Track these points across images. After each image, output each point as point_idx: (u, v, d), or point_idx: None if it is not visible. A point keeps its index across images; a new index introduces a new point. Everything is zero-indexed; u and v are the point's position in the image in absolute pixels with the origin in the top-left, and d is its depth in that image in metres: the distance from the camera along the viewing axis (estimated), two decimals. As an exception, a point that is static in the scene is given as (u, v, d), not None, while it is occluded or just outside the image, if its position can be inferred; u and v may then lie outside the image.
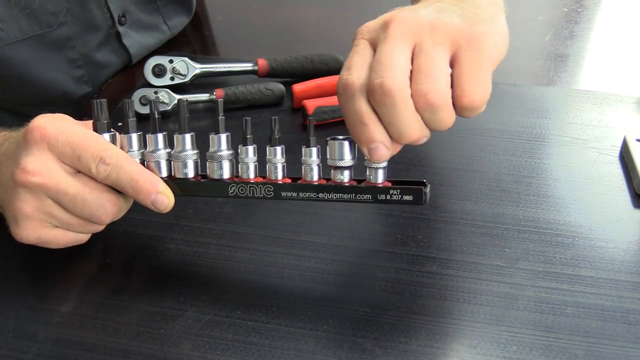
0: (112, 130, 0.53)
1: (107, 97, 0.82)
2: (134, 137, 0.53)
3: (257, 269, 0.56)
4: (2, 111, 0.79)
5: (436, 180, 0.66)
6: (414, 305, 0.52)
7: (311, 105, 0.74)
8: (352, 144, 0.50)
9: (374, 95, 0.46)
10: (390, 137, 0.47)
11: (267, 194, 0.52)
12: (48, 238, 0.52)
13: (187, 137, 0.52)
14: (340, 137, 0.50)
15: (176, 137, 0.52)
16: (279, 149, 0.52)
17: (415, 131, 0.47)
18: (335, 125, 0.74)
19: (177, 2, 0.93)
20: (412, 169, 0.67)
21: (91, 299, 0.54)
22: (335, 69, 0.82)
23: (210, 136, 0.52)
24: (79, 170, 0.51)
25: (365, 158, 0.49)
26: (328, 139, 0.50)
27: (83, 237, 0.54)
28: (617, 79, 0.86)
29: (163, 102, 0.76)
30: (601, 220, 0.61)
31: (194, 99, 0.78)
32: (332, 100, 0.74)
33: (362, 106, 0.47)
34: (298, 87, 0.77)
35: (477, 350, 0.49)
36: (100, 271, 0.57)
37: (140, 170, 0.51)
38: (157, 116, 0.52)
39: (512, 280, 0.54)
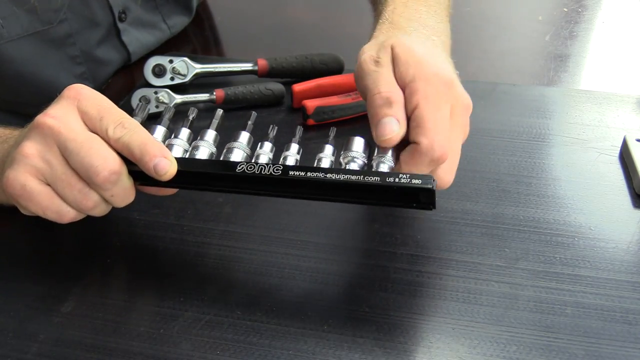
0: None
1: (108, 96, 0.82)
2: (160, 127, 0.55)
3: (257, 269, 0.56)
4: (3, 112, 0.79)
5: (436, 180, 0.66)
6: (414, 305, 0.52)
7: (311, 105, 0.74)
8: (366, 141, 0.52)
9: (426, 157, 0.50)
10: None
11: (274, 172, 0.50)
12: (32, 191, 0.50)
13: (212, 132, 0.55)
14: None
15: (202, 131, 0.54)
16: (296, 145, 0.54)
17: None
18: (335, 125, 0.74)
19: (176, 1, 0.93)
20: (412, 169, 0.67)
21: (91, 299, 0.54)
22: (335, 69, 0.82)
23: (235, 132, 0.54)
24: (96, 132, 0.51)
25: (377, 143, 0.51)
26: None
27: (64, 211, 0.51)
28: (617, 79, 0.86)
29: (163, 102, 0.76)
30: (601, 220, 0.61)
31: (193, 99, 0.78)
32: (332, 100, 0.74)
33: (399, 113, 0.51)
34: (298, 87, 0.77)
35: (477, 350, 0.49)
36: (100, 271, 0.57)
37: (152, 139, 0.51)
38: (193, 118, 0.56)
39: (512, 280, 0.54)
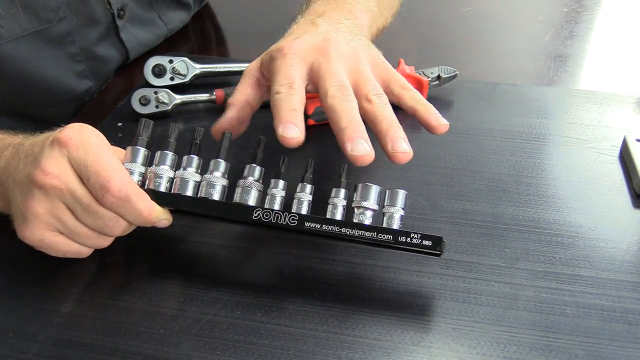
0: (148, 150, 0.55)
1: (106, 97, 0.83)
2: (170, 155, 0.54)
3: (257, 269, 0.56)
4: (5, 116, 0.79)
5: (436, 180, 0.66)
6: (414, 305, 0.52)
7: (311, 105, 0.74)
8: (379, 189, 0.53)
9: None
10: None
11: (290, 222, 0.52)
12: (50, 243, 0.52)
13: (223, 163, 0.54)
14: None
15: (212, 162, 0.54)
16: (309, 186, 0.54)
17: None
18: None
19: None
20: (412, 169, 0.67)
21: (91, 299, 0.54)
22: (335, 69, 0.82)
23: (246, 166, 0.54)
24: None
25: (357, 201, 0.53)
26: (357, 184, 0.53)
27: (85, 251, 0.54)
28: (617, 79, 0.86)
29: (163, 102, 0.76)
30: (601, 220, 0.61)
31: (193, 99, 0.78)
32: (332, 100, 0.74)
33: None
34: (298, 87, 0.77)
35: (477, 350, 0.49)
36: (100, 271, 0.57)
37: (145, 204, 0.52)
38: (198, 142, 0.55)
39: (512, 280, 0.54)
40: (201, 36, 1.00)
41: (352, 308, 0.52)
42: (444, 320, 0.51)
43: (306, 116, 0.73)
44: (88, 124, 0.54)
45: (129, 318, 0.52)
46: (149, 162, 0.55)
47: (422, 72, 0.78)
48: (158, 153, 0.54)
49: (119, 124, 0.74)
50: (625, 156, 0.68)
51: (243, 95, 0.60)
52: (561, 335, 0.50)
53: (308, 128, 0.74)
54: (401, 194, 0.53)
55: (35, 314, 0.52)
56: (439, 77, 0.78)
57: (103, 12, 0.82)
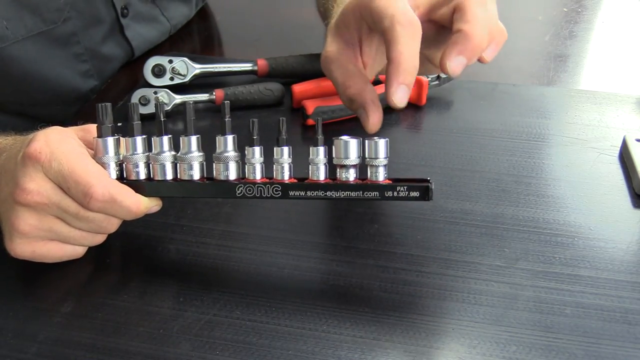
0: (115, 134, 0.53)
1: (108, 96, 0.83)
2: (139, 140, 0.53)
3: (257, 269, 0.56)
4: (10, 115, 0.79)
5: (436, 180, 0.65)
6: (414, 305, 0.52)
7: (311, 105, 0.74)
8: (358, 143, 0.51)
9: None
10: None
11: (274, 193, 0.52)
12: (42, 252, 0.52)
13: (193, 139, 0.53)
14: (346, 136, 0.51)
15: (182, 140, 0.53)
16: (285, 149, 0.52)
17: None
18: (334, 125, 0.74)
19: None
20: (412, 169, 0.67)
21: (91, 299, 0.54)
22: (335, 69, 0.82)
23: (216, 138, 0.52)
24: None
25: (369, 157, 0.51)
26: (334, 138, 0.51)
27: (80, 251, 0.54)
28: (617, 79, 0.86)
29: (163, 102, 0.76)
30: (601, 220, 0.61)
31: (193, 99, 0.78)
32: (332, 101, 0.74)
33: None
34: (298, 87, 0.77)
35: (476, 350, 0.49)
36: (100, 271, 0.57)
37: (133, 202, 0.51)
38: (162, 119, 0.53)
39: (511, 280, 0.54)
40: (201, 36, 1.00)
41: (352, 308, 0.52)
42: (444, 320, 0.51)
43: (306, 116, 0.74)
44: (90, 124, 0.54)
45: (128, 318, 0.52)
46: (119, 146, 0.53)
47: (422, 72, 0.78)
48: (128, 140, 0.53)
49: (119, 124, 0.74)
50: (625, 156, 0.68)
51: (345, 57, 0.57)
52: (561, 335, 0.50)
53: (307, 128, 0.74)
54: (382, 144, 0.51)
55: (35, 314, 0.52)
56: (438, 77, 0.78)
57: (107, 11, 0.82)
